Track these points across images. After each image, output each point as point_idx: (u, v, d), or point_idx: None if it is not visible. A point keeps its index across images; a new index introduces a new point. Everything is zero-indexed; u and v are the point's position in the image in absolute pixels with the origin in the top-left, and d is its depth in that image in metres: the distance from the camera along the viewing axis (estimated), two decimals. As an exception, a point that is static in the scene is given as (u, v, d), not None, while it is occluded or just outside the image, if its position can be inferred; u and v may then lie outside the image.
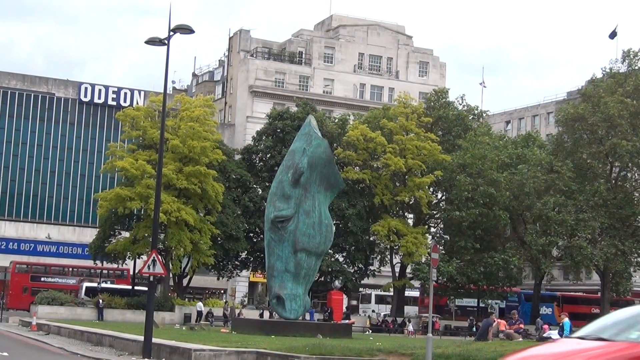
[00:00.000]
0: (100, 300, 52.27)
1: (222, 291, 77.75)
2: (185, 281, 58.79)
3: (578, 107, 55.79)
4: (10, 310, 58.63)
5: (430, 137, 59.61)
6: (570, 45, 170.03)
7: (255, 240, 59.44)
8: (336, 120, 64.46)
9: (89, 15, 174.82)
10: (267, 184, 54.04)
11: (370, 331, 55.53)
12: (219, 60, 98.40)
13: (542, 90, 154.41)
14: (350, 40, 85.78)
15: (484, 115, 68.94)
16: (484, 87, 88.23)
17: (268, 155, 61.33)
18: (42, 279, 62.62)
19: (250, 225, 59.18)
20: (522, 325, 37.84)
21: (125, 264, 57.09)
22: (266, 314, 53.55)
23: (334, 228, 39.62)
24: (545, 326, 42.60)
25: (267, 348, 24.16)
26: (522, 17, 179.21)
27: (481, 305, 64.12)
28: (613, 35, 77.56)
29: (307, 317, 52.24)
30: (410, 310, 67.63)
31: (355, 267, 62.50)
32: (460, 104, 65.99)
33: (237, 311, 54.74)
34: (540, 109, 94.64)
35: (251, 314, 56.04)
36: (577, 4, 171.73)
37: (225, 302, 63.33)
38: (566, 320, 31.58)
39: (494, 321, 35.09)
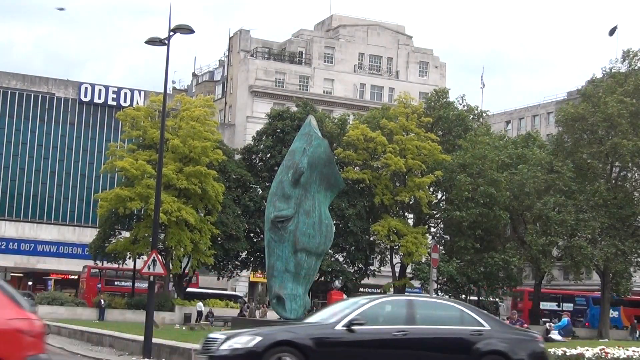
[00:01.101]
0: (102, 301, 52.34)
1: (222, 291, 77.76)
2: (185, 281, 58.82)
3: (578, 107, 55.78)
4: None
5: (430, 137, 59.61)
6: (570, 45, 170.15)
7: (255, 240, 59.44)
8: (336, 120, 64.47)
9: (89, 15, 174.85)
10: (267, 184, 54.03)
11: None
12: (219, 60, 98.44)
13: (542, 90, 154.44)
14: (350, 40, 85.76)
15: (484, 115, 68.96)
16: (482, 87, 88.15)
17: (268, 155, 61.35)
18: (116, 282, 64.15)
19: (251, 225, 59.18)
20: (526, 326, 37.88)
21: (126, 263, 57.06)
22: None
23: (334, 228, 39.56)
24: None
25: (267, 348, 24.09)
26: (522, 17, 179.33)
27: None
28: (612, 32, 77.06)
29: None
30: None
31: (355, 267, 62.51)
32: (461, 104, 66.01)
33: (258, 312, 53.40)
34: (540, 109, 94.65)
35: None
36: (576, 3, 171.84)
37: (246, 301, 63.01)
38: (565, 319, 31.91)
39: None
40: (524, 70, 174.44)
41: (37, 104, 75.70)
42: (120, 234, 56.02)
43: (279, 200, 37.21)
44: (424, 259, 57.89)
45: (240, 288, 76.66)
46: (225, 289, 77.41)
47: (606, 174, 57.57)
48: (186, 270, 56.26)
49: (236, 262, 60.38)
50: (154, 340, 25.26)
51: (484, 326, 14.62)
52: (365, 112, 70.15)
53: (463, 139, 61.17)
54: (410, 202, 60.99)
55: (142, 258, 47.12)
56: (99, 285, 61.65)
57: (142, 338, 25.43)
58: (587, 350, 20.91)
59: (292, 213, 36.78)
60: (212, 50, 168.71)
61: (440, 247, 55.63)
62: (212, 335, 14.51)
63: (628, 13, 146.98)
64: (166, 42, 26.45)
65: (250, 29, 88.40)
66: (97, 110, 77.32)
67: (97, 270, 64.90)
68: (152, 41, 26.92)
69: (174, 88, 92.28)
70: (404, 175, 59.55)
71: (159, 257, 26.35)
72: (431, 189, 62.44)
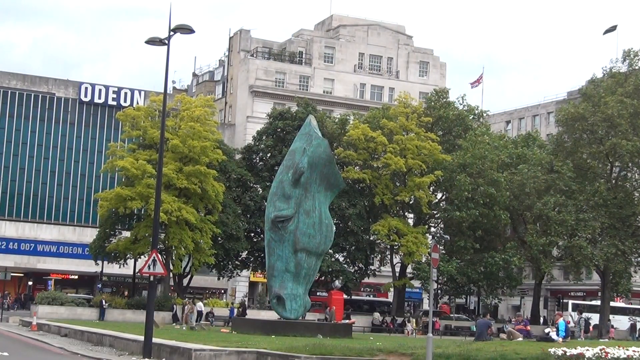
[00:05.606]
0: (104, 301, 52.33)
1: (223, 291, 77.76)
2: (185, 281, 58.78)
3: (578, 107, 55.76)
4: None
5: (430, 137, 59.63)
6: (570, 45, 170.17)
7: (255, 240, 59.49)
8: (337, 120, 64.48)
9: (87, 16, 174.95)
10: (268, 184, 54.08)
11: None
12: (219, 60, 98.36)
13: (542, 90, 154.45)
14: (350, 40, 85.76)
15: (484, 115, 68.94)
16: (475, 86, 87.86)
17: (268, 155, 61.39)
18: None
19: (251, 224, 59.21)
20: (528, 328, 38.00)
21: (126, 264, 56.95)
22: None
23: (334, 228, 39.61)
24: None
25: (267, 348, 24.20)
26: (523, 17, 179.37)
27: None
28: (608, 31, 76.16)
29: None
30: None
31: (356, 267, 62.53)
32: (461, 104, 65.99)
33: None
34: (540, 109, 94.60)
35: (252, 313, 55.84)
36: (577, 3, 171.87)
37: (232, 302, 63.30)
38: (561, 320, 31.99)
39: (492, 321, 35.26)
40: (524, 70, 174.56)
41: (37, 104, 75.67)
42: (121, 233, 55.99)
43: (279, 200, 37.31)
44: (424, 259, 57.95)
45: (240, 288, 76.66)
46: (225, 289, 77.50)
47: (606, 174, 57.55)
48: (187, 270, 56.27)
49: (236, 262, 60.38)
50: (154, 340, 25.30)
51: None
52: (365, 112, 70.16)
53: (463, 139, 61.18)
54: (410, 202, 61.02)
55: (143, 258, 47.11)
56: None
57: (142, 338, 25.47)
58: (587, 350, 20.94)
59: (292, 213, 36.89)
60: (212, 50, 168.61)
61: (440, 247, 55.62)
62: None
63: (628, 13, 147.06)
64: (166, 42, 26.49)
65: (251, 29, 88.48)
66: (97, 110, 77.29)
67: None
68: (152, 41, 26.98)
69: (174, 88, 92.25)
70: (404, 175, 59.57)
71: (159, 256, 26.35)
72: (431, 189, 62.45)
